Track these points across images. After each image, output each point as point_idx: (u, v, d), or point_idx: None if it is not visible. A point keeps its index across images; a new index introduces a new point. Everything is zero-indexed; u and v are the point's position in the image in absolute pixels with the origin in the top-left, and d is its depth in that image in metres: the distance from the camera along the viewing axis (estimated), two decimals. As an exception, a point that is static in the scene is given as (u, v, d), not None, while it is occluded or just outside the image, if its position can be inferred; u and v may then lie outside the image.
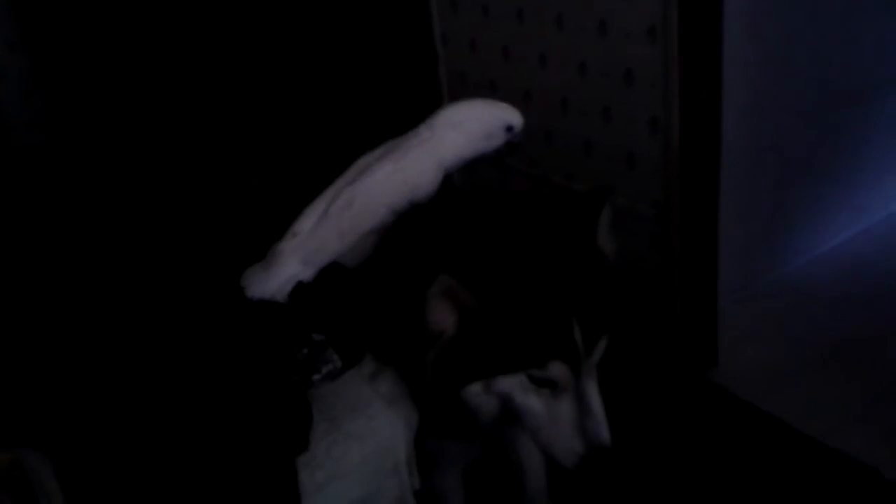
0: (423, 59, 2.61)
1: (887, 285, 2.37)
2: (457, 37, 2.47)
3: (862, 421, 1.91)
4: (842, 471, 1.81)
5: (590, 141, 2.11)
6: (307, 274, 1.42)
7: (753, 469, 1.84)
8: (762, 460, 1.87)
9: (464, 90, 2.47)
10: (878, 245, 2.57)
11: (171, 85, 2.82)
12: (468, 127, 1.44)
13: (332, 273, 1.43)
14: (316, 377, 1.30)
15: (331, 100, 2.80)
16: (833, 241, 2.57)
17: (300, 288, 1.41)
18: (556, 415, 1.12)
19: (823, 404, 1.98)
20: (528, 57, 2.19)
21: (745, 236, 2.31)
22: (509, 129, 1.44)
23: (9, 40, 2.90)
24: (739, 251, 2.29)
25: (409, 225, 1.39)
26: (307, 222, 1.43)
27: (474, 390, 1.12)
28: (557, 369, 1.09)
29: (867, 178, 2.58)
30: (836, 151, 2.46)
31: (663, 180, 1.97)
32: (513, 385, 1.11)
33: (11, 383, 1.15)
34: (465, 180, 1.75)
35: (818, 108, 2.33)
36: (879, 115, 2.53)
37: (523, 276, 1.11)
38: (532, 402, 1.12)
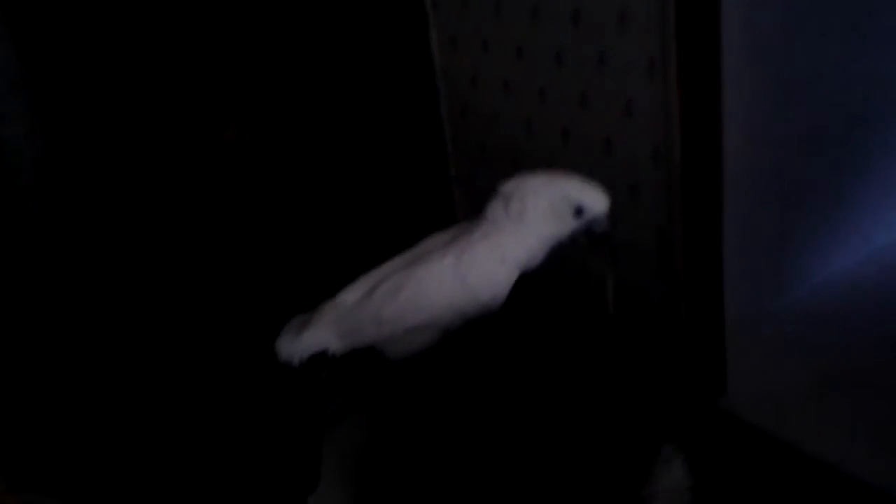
0: (424, 94, 2.64)
1: (891, 310, 2.37)
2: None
3: (875, 445, 1.90)
4: (856, 496, 1.79)
5: (592, 172, 2.13)
6: (338, 347, 1.33)
7: (766, 494, 1.83)
8: (774, 485, 1.86)
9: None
10: (883, 269, 2.57)
11: (175, 129, 2.85)
12: (531, 210, 1.30)
13: (357, 360, 1.35)
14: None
15: (333, 131, 2.83)
16: (838, 266, 2.57)
17: (323, 358, 1.34)
18: None
19: (835, 429, 1.97)
20: (529, 90, 2.22)
21: (749, 263, 2.31)
22: (578, 211, 1.31)
23: (11, 79, 2.93)
24: (745, 278, 2.29)
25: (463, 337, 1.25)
26: (353, 295, 1.35)
27: None
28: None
29: (871, 202, 2.58)
30: (839, 177, 2.47)
31: (666, 210, 1.98)
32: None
33: (24, 430, 1.16)
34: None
35: (820, 133, 2.34)
36: (882, 141, 2.54)
37: None
38: None
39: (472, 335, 1.23)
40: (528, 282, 1.32)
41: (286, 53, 2.77)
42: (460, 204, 2.63)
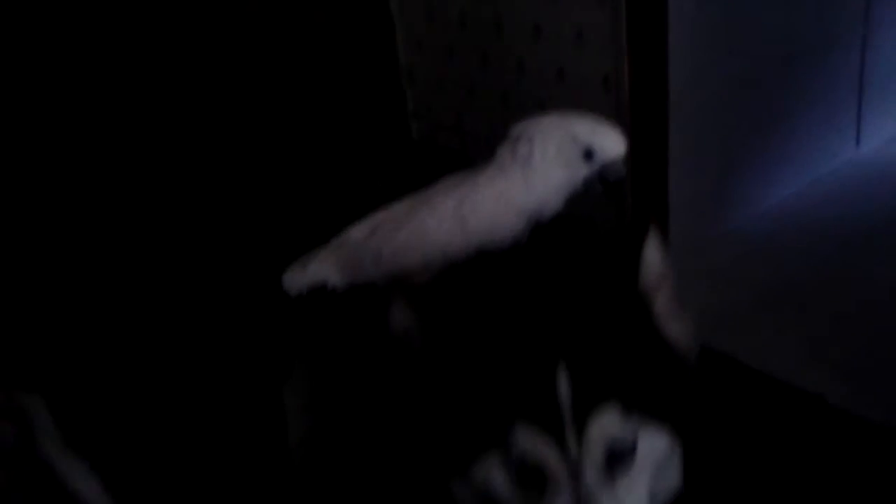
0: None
1: (832, 234, 2.50)
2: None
3: (807, 355, 2.03)
4: (790, 400, 1.92)
5: (544, 102, 2.21)
6: (339, 282, 1.31)
7: (704, 403, 1.95)
8: (715, 394, 1.99)
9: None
10: (822, 198, 2.70)
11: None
12: (539, 154, 1.20)
13: (354, 297, 1.30)
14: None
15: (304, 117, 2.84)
16: (778, 196, 2.68)
17: (323, 292, 1.31)
18: None
19: (772, 342, 2.10)
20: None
21: (694, 191, 2.40)
22: (589, 154, 1.19)
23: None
24: (689, 205, 2.39)
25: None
26: (359, 232, 1.32)
27: (459, 490, 0.83)
28: (528, 438, 0.76)
29: (811, 133, 2.70)
30: (780, 109, 2.56)
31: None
32: (492, 479, 0.80)
33: (10, 331, 1.21)
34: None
35: (761, 67, 2.43)
36: (821, 74, 2.64)
37: (484, 299, 0.88)
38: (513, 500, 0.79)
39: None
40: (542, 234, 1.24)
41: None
42: (418, 138, 2.69)
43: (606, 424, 0.77)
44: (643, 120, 2.03)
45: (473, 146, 2.47)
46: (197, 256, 1.82)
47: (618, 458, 0.78)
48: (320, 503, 1.03)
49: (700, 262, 2.42)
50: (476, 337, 0.83)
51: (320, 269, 1.31)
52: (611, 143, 1.19)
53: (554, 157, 1.20)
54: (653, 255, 0.88)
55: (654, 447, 0.81)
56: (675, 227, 2.26)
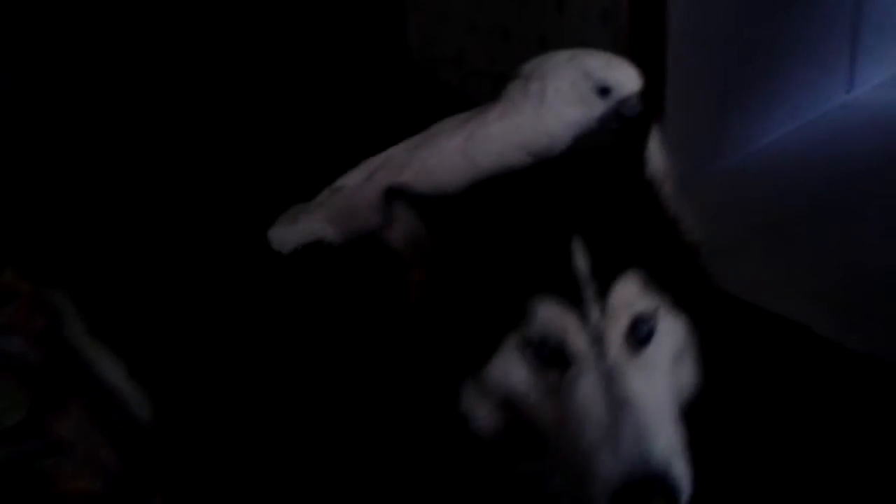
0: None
1: (821, 173, 2.56)
2: None
3: (794, 286, 2.10)
4: (777, 330, 1.99)
5: (544, 36, 2.24)
6: (331, 234, 1.23)
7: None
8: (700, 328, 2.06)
9: None
10: (814, 139, 2.75)
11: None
12: (552, 91, 1.15)
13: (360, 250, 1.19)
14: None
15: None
16: (773, 135, 2.74)
17: (315, 248, 1.24)
18: (571, 409, 0.76)
19: (760, 274, 2.16)
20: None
21: (689, 127, 2.43)
22: (604, 91, 1.15)
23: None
24: (684, 141, 2.42)
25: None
26: (352, 179, 1.25)
27: (468, 392, 0.81)
28: (548, 311, 0.77)
29: (804, 75, 2.74)
30: (775, 50, 2.60)
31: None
32: (510, 370, 0.79)
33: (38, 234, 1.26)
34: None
35: (758, 7, 2.47)
36: (815, 17, 2.67)
37: (495, 193, 0.87)
38: (540, 397, 0.78)
39: None
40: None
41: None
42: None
43: (627, 293, 0.78)
44: (641, 53, 2.07)
45: (472, 81, 2.50)
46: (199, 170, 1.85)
47: (640, 335, 0.79)
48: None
49: (692, 197, 2.47)
50: (487, 223, 0.82)
51: (312, 224, 1.24)
52: (626, 79, 1.17)
53: (568, 95, 1.17)
54: (656, 148, 0.93)
55: (673, 332, 0.83)
56: (671, 159, 2.31)
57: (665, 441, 0.74)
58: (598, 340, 0.77)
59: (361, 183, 1.23)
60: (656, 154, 0.95)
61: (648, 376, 0.78)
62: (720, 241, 2.27)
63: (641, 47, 2.06)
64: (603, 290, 0.77)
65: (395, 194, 0.84)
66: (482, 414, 0.81)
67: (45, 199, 1.50)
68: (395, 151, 1.25)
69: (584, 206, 0.83)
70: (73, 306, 1.20)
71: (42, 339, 1.05)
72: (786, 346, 1.94)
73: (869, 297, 2.02)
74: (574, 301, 0.77)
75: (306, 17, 2.76)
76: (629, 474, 0.71)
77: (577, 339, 0.77)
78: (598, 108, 1.16)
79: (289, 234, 1.26)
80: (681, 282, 0.85)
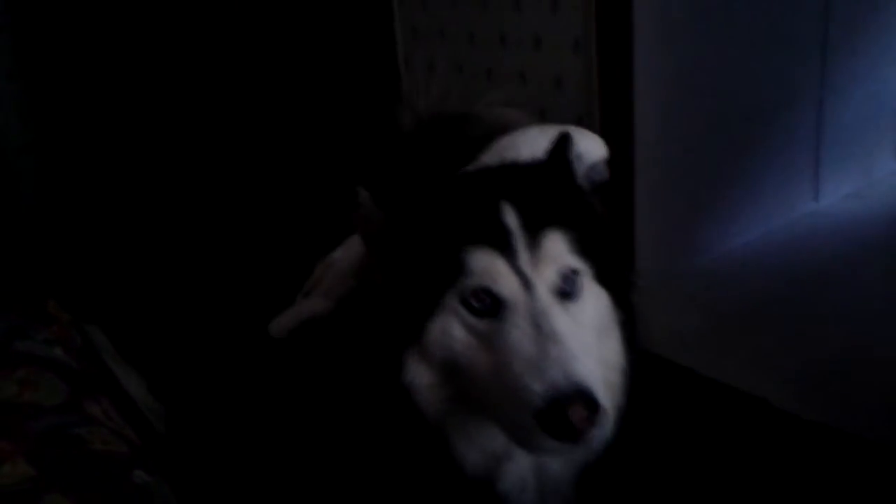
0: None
1: (782, 276, 2.76)
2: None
3: (754, 365, 2.28)
4: (737, 403, 2.15)
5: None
6: (324, 308, 1.30)
7: (666, 409, 2.18)
8: (671, 401, 2.21)
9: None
10: (780, 244, 2.97)
11: (158, 114, 3.15)
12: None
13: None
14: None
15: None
16: (741, 240, 2.96)
17: (311, 325, 1.30)
18: (503, 349, 0.84)
19: (723, 355, 2.34)
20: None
21: (660, 230, 2.66)
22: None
23: (7, 69, 3.20)
24: (655, 241, 2.64)
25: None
26: (339, 252, 1.34)
27: (411, 360, 0.89)
28: (481, 259, 0.86)
29: (769, 186, 2.99)
30: (741, 161, 2.84)
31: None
32: (449, 326, 0.87)
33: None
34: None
35: (724, 120, 2.71)
36: (779, 131, 2.93)
37: (438, 181, 0.97)
38: (474, 349, 0.86)
39: None
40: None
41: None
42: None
43: (552, 246, 0.88)
44: (612, 161, 2.31)
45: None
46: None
47: (567, 290, 0.89)
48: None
49: (665, 292, 2.68)
50: (431, 201, 0.92)
51: (309, 304, 1.34)
52: (594, 147, 1.26)
53: None
54: (577, 157, 1.02)
55: (598, 300, 0.94)
56: (643, 261, 2.52)
57: (589, 370, 0.81)
58: (527, 285, 0.86)
59: (343, 254, 1.35)
60: (579, 162, 1.03)
61: (576, 326, 0.87)
62: (689, 330, 2.48)
63: (612, 153, 2.30)
64: (531, 242, 0.87)
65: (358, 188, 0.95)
66: (422, 379, 0.88)
67: (84, 244, 1.75)
68: None
69: (514, 183, 0.94)
70: (105, 336, 1.40)
71: (79, 353, 1.25)
72: (748, 417, 2.10)
73: (823, 377, 2.20)
74: (505, 250, 0.86)
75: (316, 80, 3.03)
76: (553, 391, 0.78)
77: (509, 282, 0.85)
78: None
79: (284, 320, 1.35)
80: (601, 261, 0.95)
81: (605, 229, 1.02)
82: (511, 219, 0.88)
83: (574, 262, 0.91)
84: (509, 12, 2.42)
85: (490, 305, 0.86)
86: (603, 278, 0.96)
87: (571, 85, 2.31)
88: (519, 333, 0.83)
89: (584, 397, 0.79)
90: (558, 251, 0.89)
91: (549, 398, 0.78)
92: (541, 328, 0.83)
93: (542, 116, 2.42)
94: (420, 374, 0.89)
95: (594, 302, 0.94)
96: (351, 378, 0.98)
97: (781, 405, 2.06)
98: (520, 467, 0.98)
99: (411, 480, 0.97)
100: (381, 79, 2.99)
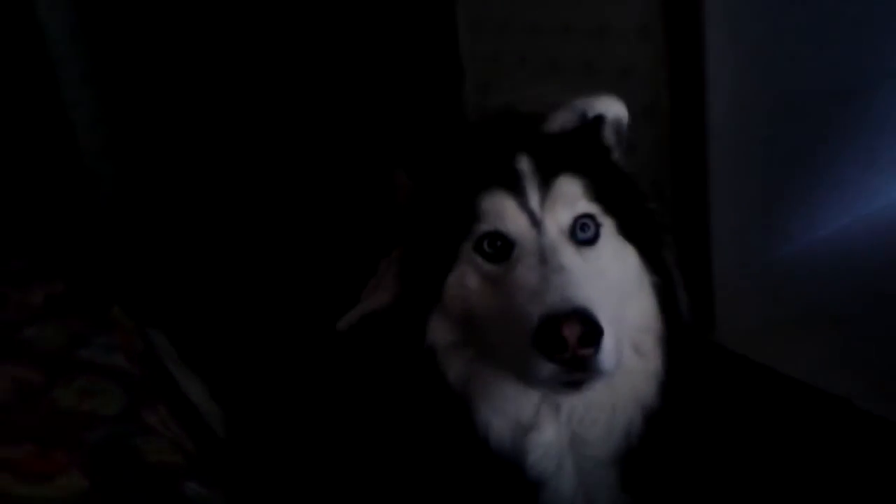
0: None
1: (868, 268, 2.62)
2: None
3: (838, 364, 2.17)
4: (818, 403, 2.06)
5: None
6: (387, 301, 1.21)
7: (745, 409, 2.11)
8: (753, 402, 2.14)
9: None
10: (862, 236, 2.82)
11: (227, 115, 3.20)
12: None
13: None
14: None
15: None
16: (820, 232, 2.81)
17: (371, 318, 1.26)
18: (510, 286, 0.84)
19: (804, 353, 2.24)
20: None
21: (737, 222, 2.53)
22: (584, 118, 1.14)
23: (82, 74, 3.29)
24: (732, 235, 2.54)
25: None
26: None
27: (434, 323, 0.89)
28: (493, 201, 0.87)
29: (852, 173, 2.84)
30: (824, 146, 2.70)
31: (657, 163, 2.28)
32: (465, 276, 0.87)
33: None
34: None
35: (804, 102, 2.57)
36: (869, 112, 2.77)
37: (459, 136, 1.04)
38: (488, 297, 0.86)
39: None
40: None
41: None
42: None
43: (565, 189, 0.88)
44: (683, 150, 2.24)
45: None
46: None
47: (582, 236, 0.88)
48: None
49: (743, 287, 2.58)
50: (451, 158, 0.93)
51: (374, 299, 1.28)
52: (604, 106, 1.17)
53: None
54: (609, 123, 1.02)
55: (622, 256, 0.93)
56: (720, 255, 2.43)
57: (591, 298, 0.80)
58: (536, 223, 0.87)
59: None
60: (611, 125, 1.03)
61: (590, 270, 0.85)
62: (770, 327, 2.38)
63: (683, 143, 2.23)
64: (542, 185, 0.88)
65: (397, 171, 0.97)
66: (444, 338, 0.88)
67: (154, 248, 1.78)
68: None
69: (529, 131, 0.96)
70: (168, 342, 1.41)
71: (140, 358, 1.26)
72: (828, 419, 2.01)
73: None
74: (515, 191, 0.87)
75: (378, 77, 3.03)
76: (548, 311, 0.78)
77: (518, 221, 0.86)
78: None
79: (349, 316, 1.32)
80: (626, 214, 0.95)
81: (628, 183, 1.01)
82: (523, 163, 0.89)
83: (589, 207, 0.91)
84: (572, 1, 2.35)
85: (501, 248, 0.86)
86: (629, 233, 0.94)
87: (639, 74, 2.23)
88: (524, 268, 0.83)
89: (580, 316, 0.78)
90: (572, 194, 0.89)
91: (544, 317, 0.78)
92: (547, 262, 0.82)
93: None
94: (442, 334, 0.88)
95: (616, 254, 0.94)
96: (386, 358, 0.98)
97: (866, 406, 1.96)
98: (549, 440, 0.95)
99: (438, 470, 0.94)
100: (444, 72, 2.96)
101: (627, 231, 0.95)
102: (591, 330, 0.78)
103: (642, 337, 0.99)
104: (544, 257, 0.84)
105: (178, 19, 3.13)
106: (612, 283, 0.91)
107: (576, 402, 0.93)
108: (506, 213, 0.86)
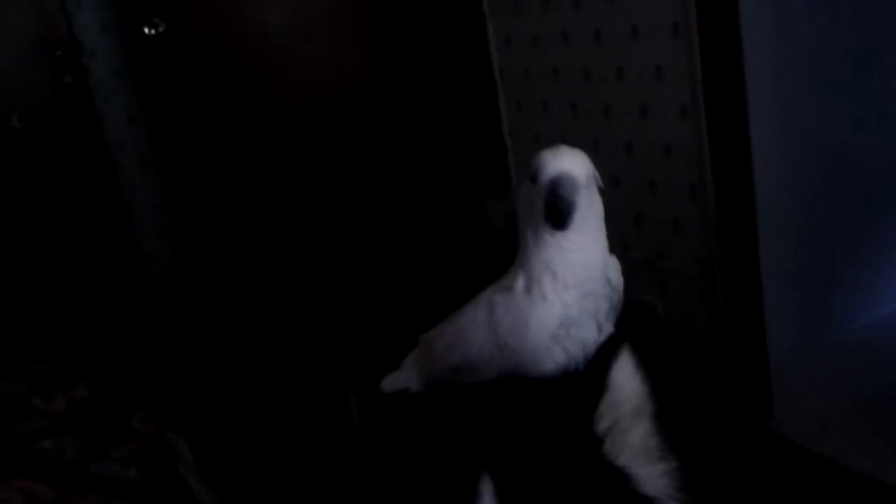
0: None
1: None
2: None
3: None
4: (884, 500, 1.92)
5: (639, 213, 2.38)
6: (418, 387, 1.33)
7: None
8: (817, 497, 2.00)
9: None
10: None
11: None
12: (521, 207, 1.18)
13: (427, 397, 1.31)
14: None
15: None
16: (883, 310, 2.68)
17: (399, 396, 1.34)
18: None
19: (873, 445, 2.10)
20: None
21: (792, 302, 2.46)
22: (533, 177, 1.13)
23: (142, 159, 3.38)
24: (788, 315, 2.44)
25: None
26: (431, 333, 1.33)
27: None
28: None
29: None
30: (881, 217, 2.61)
31: (705, 242, 2.20)
32: None
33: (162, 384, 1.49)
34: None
35: (857, 177, 2.50)
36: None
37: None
38: None
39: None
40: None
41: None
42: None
43: None
44: (730, 229, 2.16)
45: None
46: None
47: None
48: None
49: (801, 367, 2.45)
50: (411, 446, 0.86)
51: (403, 374, 1.35)
52: (547, 161, 1.11)
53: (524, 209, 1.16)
54: (623, 380, 0.81)
55: None
56: (776, 338, 2.33)
57: None
58: None
59: (433, 337, 1.32)
60: (625, 384, 0.82)
61: None
62: (830, 415, 2.24)
63: (730, 221, 2.15)
64: None
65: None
66: None
67: (178, 357, 1.78)
68: (467, 309, 1.29)
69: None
70: (188, 448, 1.38)
71: (156, 469, 1.23)
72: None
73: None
74: None
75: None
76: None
77: None
78: (534, 198, 1.13)
79: (390, 382, 1.36)
80: None
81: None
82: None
83: None
84: (613, 84, 2.32)
85: None
86: None
87: (681, 151, 2.18)
88: None
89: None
90: None
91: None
92: None
93: (653, 188, 2.30)
94: None
95: None
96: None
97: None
98: None
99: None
100: (491, 153, 2.96)
101: None
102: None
103: None
104: None
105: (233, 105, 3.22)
106: None
107: None
108: None
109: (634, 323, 1.14)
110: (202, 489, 1.26)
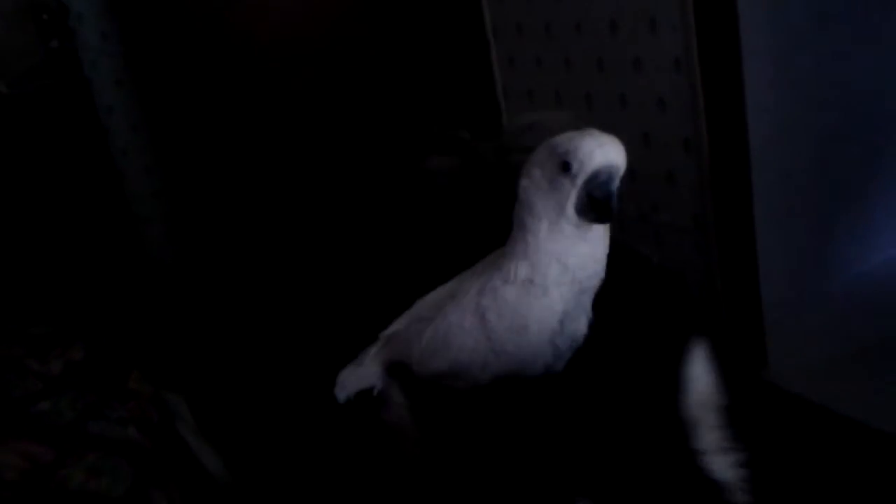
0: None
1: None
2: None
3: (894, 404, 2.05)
4: (877, 445, 1.94)
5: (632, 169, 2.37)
6: (381, 383, 1.22)
7: (802, 451, 2.00)
8: (810, 443, 2.03)
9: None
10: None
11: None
12: (529, 194, 1.06)
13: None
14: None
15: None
16: (875, 260, 2.71)
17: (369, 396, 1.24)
18: None
19: (865, 393, 2.12)
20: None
21: (787, 253, 2.47)
22: (565, 166, 1.00)
23: (132, 122, 3.36)
24: (783, 266, 2.45)
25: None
26: (399, 325, 1.24)
27: None
28: None
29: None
30: (873, 170, 2.61)
31: (699, 196, 2.20)
32: None
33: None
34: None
35: (850, 131, 2.50)
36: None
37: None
38: None
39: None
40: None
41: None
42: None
43: None
44: (725, 182, 2.15)
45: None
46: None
47: None
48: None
49: (796, 321, 2.47)
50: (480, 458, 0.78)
51: (366, 372, 1.25)
52: (589, 149, 0.98)
53: (540, 183, 1.04)
54: (698, 375, 0.81)
55: None
56: (771, 288, 2.34)
57: None
58: None
59: (404, 329, 1.23)
60: (700, 380, 0.83)
61: None
62: (822, 364, 2.26)
63: (724, 175, 2.15)
64: None
65: (394, 373, 0.86)
66: None
67: (174, 320, 1.78)
68: (437, 296, 1.21)
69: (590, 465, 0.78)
70: (187, 408, 1.39)
71: (155, 429, 1.24)
72: (890, 460, 1.89)
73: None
74: None
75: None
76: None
77: None
78: (567, 188, 1.01)
79: (349, 379, 1.27)
80: None
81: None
82: None
83: None
84: (606, 37, 2.30)
85: None
86: None
87: (675, 104, 2.16)
88: None
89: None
90: None
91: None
92: None
93: (646, 141, 2.29)
94: None
95: None
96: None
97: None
98: None
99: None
100: (480, 108, 2.94)
101: None
102: None
103: None
104: None
105: (226, 64, 3.18)
106: None
107: None
108: None
109: (632, 273, 1.13)
110: (202, 448, 1.27)
